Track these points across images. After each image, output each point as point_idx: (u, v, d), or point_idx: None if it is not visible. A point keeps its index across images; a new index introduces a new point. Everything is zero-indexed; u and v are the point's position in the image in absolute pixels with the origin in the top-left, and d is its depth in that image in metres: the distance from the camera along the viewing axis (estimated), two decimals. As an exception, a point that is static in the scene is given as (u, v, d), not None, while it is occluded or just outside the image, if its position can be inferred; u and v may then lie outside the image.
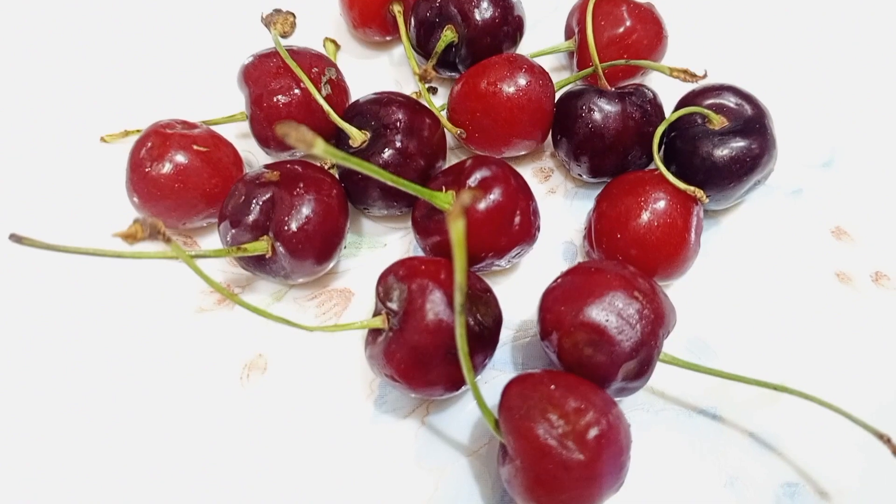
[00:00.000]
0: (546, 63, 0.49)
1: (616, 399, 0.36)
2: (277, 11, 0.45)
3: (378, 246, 0.43)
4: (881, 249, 0.43)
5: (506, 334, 0.40)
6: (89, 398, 0.38)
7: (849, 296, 0.42)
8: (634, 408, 0.38)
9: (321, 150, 0.27)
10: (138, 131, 0.45)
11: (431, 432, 0.38)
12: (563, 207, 0.45)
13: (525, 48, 0.48)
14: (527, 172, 0.46)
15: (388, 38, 0.50)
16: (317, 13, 0.51)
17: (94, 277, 0.42)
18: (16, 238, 0.33)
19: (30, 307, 0.41)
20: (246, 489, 0.36)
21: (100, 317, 0.41)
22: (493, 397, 0.35)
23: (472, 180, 0.37)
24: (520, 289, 0.42)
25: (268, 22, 0.44)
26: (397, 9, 0.47)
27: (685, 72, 0.36)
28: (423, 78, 0.39)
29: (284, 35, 0.44)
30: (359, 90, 0.45)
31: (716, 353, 0.40)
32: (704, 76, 0.37)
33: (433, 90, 0.47)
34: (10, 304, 0.41)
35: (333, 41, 0.49)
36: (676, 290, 0.41)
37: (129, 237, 0.29)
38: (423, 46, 0.46)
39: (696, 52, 0.50)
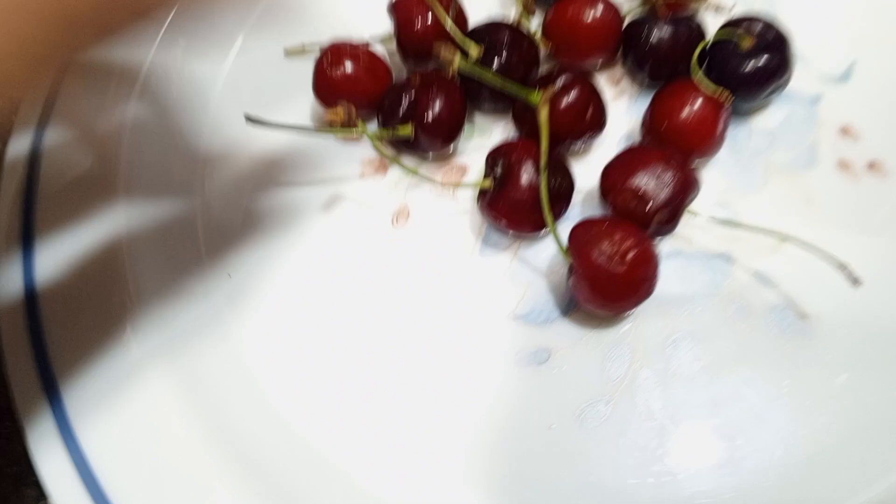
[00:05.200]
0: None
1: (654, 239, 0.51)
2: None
3: (486, 134, 0.59)
4: (881, 144, 0.55)
5: (576, 198, 0.55)
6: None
7: (849, 178, 0.55)
8: (667, 248, 0.53)
9: (458, 63, 0.44)
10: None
11: (520, 261, 0.54)
12: (628, 107, 0.59)
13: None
14: (602, 78, 0.60)
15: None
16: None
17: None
18: (251, 119, 0.51)
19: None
20: (398, 302, 0.54)
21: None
22: (565, 235, 0.51)
23: (558, 83, 0.52)
24: (590, 165, 0.56)
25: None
26: (505, -50, 0.61)
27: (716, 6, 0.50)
28: (526, 9, 0.53)
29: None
30: (473, 15, 0.60)
31: (733, 213, 0.54)
32: (732, 6, 0.50)
33: (532, 12, 0.60)
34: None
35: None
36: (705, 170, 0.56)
37: (335, 116, 0.46)
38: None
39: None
